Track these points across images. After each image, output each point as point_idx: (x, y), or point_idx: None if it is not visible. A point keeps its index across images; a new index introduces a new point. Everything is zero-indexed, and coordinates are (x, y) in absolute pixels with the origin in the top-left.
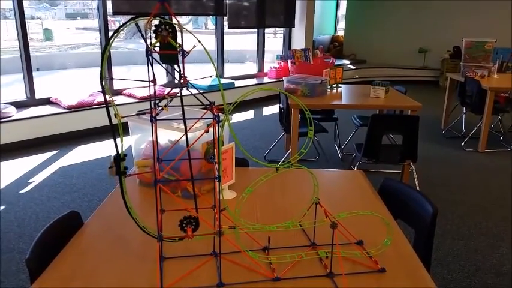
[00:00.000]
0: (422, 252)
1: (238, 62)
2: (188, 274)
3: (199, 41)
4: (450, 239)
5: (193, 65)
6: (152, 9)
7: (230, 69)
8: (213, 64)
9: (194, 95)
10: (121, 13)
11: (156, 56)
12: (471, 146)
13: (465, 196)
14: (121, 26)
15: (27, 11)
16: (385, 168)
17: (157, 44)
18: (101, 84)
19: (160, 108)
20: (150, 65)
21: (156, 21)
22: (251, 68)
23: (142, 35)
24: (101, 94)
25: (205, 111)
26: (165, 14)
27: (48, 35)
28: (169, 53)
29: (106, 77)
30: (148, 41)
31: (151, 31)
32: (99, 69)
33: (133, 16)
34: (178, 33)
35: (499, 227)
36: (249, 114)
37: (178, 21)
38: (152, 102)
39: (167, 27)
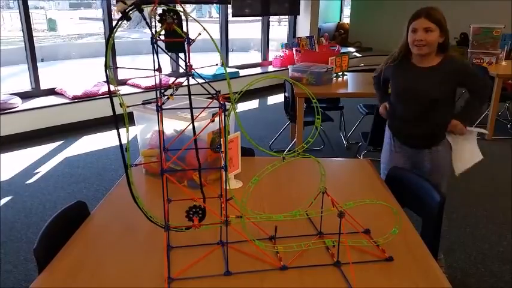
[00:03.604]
0: (429, 240)
1: (242, 50)
2: (195, 263)
3: (205, 29)
4: (457, 227)
5: (197, 54)
6: None
7: (234, 58)
8: (219, 52)
9: (200, 84)
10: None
11: (161, 45)
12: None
13: (472, 184)
14: (125, 13)
15: (30, 2)
16: None
17: (162, 32)
18: (106, 73)
19: (166, 97)
20: (155, 54)
21: (160, 9)
22: (256, 56)
23: (147, 22)
24: (106, 84)
25: (210, 100)
26: (169, 1)
27: (52, 25)
28: (175, 40)
29: (111, 66)
30: (153, 29)
31: (156, 19)
32: (103, 59)
33: (137, 1)
34: (183, 21)
35: (506, 215)
36: (253, 104)
37: (183, 8)
38: (158, 91)
39: (172, 14)
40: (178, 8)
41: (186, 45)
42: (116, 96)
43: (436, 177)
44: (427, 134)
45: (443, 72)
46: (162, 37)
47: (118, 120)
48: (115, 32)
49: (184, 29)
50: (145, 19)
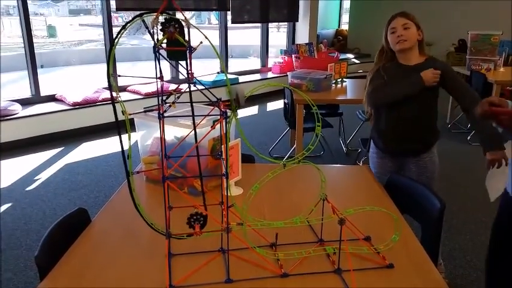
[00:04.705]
0: (429, 247)
1: (242, 57)
2: (196, 270)
3: (207, 37)
4: (456, 233)
5: (197, 60)
6: (155, 5)
7: (234, 65)
8: (220, 60)
9: (201, 91)
10: (124, 9)
11: (163, 52)
12: (477, 140)
13: (471, 190)
14: (128, 23)
15: (30, 8)
16: None
17: (164, 41)
18: (108, 82)
19: (168, 105)
20: (157, 62)
21: (162, 18)
22: (255, 63)
23: (149, 31)
24: (106, 91)
25: (211, 107)
26: (170, 9)
27: (52, 31)
28: (178, 49)
29: (113, 74)
30: (155, 37)
31: (158, 28)
32: (103, 65)
33: (140, 12)
34: (185, 30)
35: None
36: (253, 110)
37: (185, 17)
38: (159, 98)
39: (174, 23)
40: (180, 16)
41: (187, 54)
42: (118, 103)
43: (422, 180)
44: (416, 143)
45: (428, 68)
46: (164, 45)
47: (119, 127)
48: (117, 41)
49: (186, 38)
50: (147, 28)
